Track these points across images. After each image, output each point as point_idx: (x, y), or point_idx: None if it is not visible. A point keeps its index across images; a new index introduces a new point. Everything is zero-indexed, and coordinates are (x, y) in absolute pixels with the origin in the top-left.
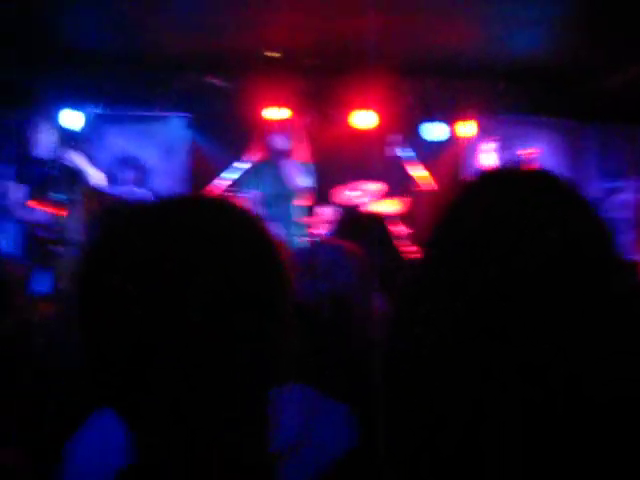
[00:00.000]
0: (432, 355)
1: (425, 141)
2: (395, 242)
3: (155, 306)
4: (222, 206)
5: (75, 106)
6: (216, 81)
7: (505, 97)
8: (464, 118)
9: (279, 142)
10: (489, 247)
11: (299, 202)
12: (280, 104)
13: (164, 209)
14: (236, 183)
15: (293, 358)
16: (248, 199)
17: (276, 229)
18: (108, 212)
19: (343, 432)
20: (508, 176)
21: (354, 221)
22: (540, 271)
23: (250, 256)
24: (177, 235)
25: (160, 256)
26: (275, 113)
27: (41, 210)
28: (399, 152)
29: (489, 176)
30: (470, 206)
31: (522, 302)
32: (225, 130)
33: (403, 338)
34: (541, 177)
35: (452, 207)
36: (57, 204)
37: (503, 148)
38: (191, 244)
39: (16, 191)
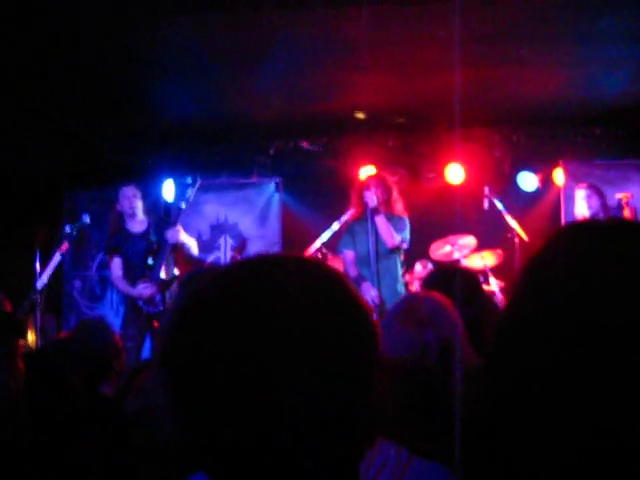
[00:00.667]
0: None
1: (520, 192)
2: (487, 296)
3: (239, 371)
4: (307, 265)
5: (174, 178)
6: (307, 145)
7: (596, 141)
8: (554, 166)
9: (372, 198)
10: (574, 303)
11: (395, 259)
12: (370, 162)
13: (248, 269)
14: (329, 245)
15: (379, 421)
16: (342, 259)
17: (371, 288)
18: (193, 275)
19: None
20: (596, 228)
21: (443, 275)
22: (627, 332)
23: (337, 320)
24: (258, 299)
25: (241, 323)
26: (366, 171)
27: (144, 285)
28: (494, 204)
29: (575, 228)
30: (554, 259)
31: (605, 364)
32: (317, 193)
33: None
34: (631, 229)
35: (537, 259)
36: (158, 280)
37: (597, 193)
38: (274, 309)
39: (118, 265)
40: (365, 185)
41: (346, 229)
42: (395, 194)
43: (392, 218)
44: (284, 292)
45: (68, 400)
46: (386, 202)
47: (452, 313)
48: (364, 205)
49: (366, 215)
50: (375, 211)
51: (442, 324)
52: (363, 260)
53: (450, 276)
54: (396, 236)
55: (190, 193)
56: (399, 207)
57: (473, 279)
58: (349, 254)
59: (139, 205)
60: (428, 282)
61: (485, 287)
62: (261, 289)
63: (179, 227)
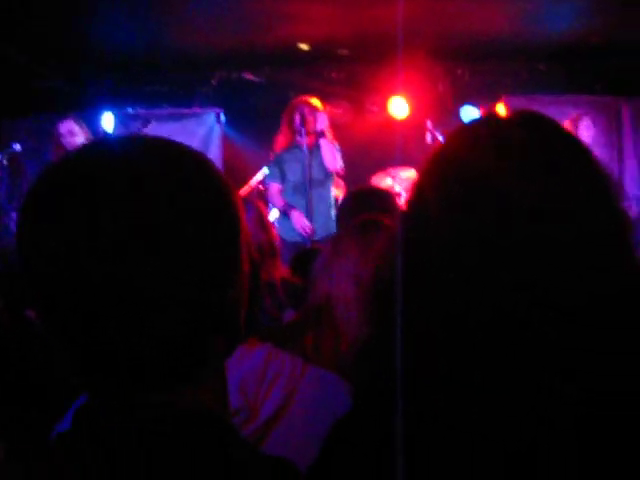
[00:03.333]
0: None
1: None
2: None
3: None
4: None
5: (113, 109)
6: (250, 76)
7: (540, 77)
8: (496, 101)
9: (324, 120)
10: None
11: (329, 186)
12: (313, 94)
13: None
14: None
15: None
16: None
17: (302, 217)
18: None
19: (336, 398)
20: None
21: (358, 198)
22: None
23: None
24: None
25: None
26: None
27: None
28: (437, 138)
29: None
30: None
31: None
32: (260, 125)
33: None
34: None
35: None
36: None
37: None
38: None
39: None
40: (299, 110)
41: (273, 161)
42: (333, 127)
43: (334, 145)
44: (114, 177)
45: None
46: (328, 132)
47: None
48: (295, 132)
49: (297, 142)
50: (322, 134)
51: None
52: (297, 188)
53: (365, 197)
54: (339, 160)
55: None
56: (335, 139)
57: (387, 197)
58: (274, 186)
59: (79, 140)
60: (343, 206)
61: None
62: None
63: None
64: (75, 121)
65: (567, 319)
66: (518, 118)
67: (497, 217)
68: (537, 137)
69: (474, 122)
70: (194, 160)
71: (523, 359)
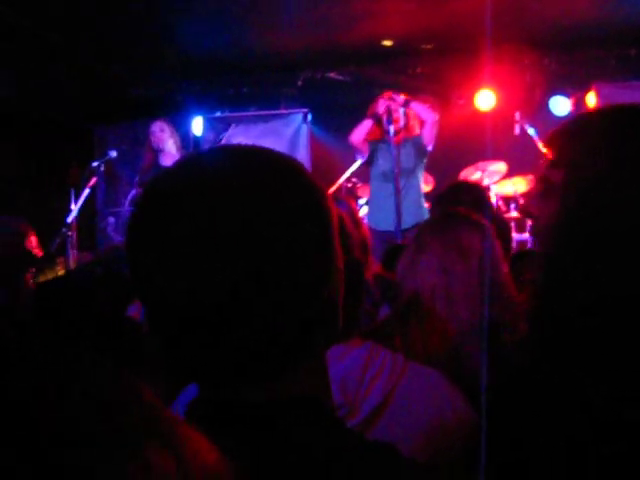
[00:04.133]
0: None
1: (552, 117)
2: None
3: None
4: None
5: (202, 113)
6: (335, 75)
7: (630, 63)
8: (586, 90)
9: (398, 121)
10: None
11: (418, 175)
12: (400, 90)
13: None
14: (359, 174)
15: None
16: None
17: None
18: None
19: (437, 392)
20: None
21: (451, 191)
22: None
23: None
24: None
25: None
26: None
27: None
28: (526, 130)
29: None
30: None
31: None
32: (346, 123)
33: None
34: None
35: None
36: None
37: None
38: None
39: None
40: (385, 106)
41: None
42: (422, 121)
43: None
44: (212, 183)
45: (92, 321)
46: (413, 127)
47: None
48: (383, 128)
49: (386, 138)
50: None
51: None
52: (387, 175)
53: (457, 191)
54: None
55: (221, 136)
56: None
57: (478, 191)
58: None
59: (168, 140)
60: (438, 199)
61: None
62: (184, 182)
63: None
64: (165, 122)
65: None
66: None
67: None
68: None
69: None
70: (283, 164)
71: None
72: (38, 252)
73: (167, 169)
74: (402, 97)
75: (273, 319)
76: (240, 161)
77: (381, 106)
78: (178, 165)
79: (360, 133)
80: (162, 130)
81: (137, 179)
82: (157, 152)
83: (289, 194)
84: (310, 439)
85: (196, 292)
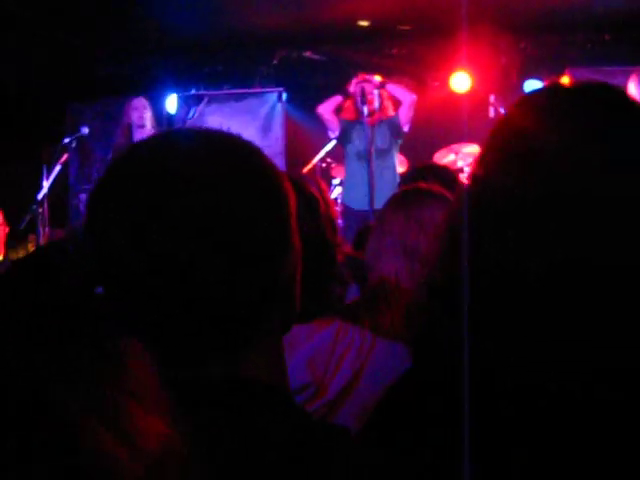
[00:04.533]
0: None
1: None
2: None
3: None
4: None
5: (176, 91)
6: (311, 54)
7: (605, 48)
8: (561, 73)
9: (372, 102)
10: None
11: (393, 155)
12: (374, 71)
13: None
14: (334, 154)
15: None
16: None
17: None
18: None
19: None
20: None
21: (419, 173)
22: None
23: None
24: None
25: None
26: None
27: None
28: (500, 113)
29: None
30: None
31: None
32: (321, 102)
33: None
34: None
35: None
36: None
37: None
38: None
39: None
40: (360, 87)
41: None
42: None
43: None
44: (173, 167)
45: (62, 296)
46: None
47: None
48: (357, 109)
49: (360, 118)
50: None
51: None
52: (361, 155)
53: (425, 173)
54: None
55: (193, 112)
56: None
57: (446, 172)
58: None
59: (148, 117)
60: (403, 179)
61: None
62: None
63: None
64: (145, 98)
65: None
66: (581, 87)
67: (554, 186)
68: (599, 106)
69: (535, 92)
70: (245, 149)
71: (574, 310)
72: (4, 228)
73: (130, 149)
74: (377, 78)
75: (230, 289)
76: (200, 145)
77: (354, 86)
78: (140, 146)
79: (327, 106)
80: (144, 107)
81: (110, 156)
82: (135, 128)
83: (249, 177)
84: (264, 420)
85: (156, 264)
